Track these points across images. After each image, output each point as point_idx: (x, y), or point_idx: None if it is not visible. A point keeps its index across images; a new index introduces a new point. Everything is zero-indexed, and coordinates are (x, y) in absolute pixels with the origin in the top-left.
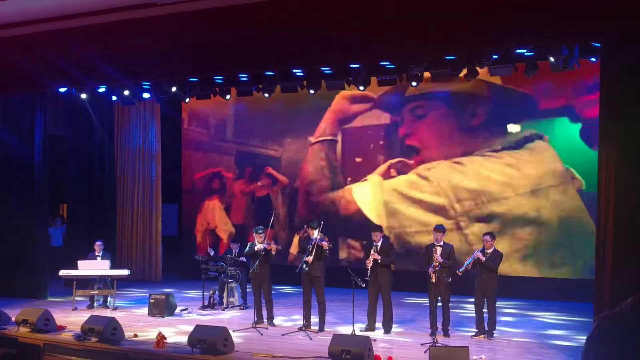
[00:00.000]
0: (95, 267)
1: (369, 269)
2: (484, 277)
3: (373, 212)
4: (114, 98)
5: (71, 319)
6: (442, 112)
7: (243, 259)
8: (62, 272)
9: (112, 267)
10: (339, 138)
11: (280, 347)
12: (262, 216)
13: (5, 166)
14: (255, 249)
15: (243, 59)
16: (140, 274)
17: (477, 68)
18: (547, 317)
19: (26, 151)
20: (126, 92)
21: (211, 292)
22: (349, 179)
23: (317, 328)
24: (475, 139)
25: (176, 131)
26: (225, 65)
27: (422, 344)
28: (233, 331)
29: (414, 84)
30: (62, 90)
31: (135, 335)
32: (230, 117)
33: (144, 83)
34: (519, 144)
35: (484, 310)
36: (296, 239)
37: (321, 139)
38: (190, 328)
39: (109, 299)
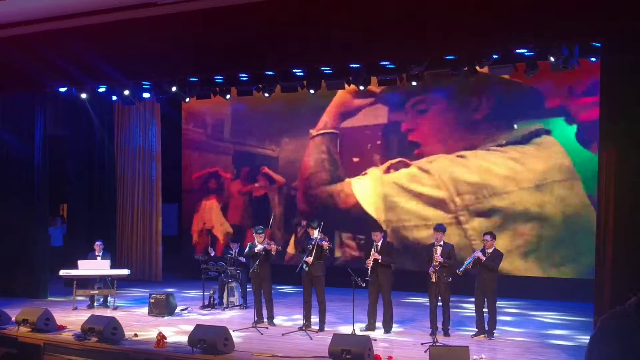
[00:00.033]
0: (96, 266)
1: (369, 269)
2: (484, 277)
3: (372, 206)
4: (114, 98)
5: (71, 318)
6: (444, 106)
7: (243, 259)
8: (62, 272)
9: (112, 266)
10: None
11: (280, 347)
12: (259, 216)
13: (5, 166)
14: (256, 250)
15: (243, 59)
16: (141, 274)
17: (477, 67)
18: (548, 316)
19: (26, 151)
20: (126, 92)
21: (211, 291)
22: (347, 177)
23: (317, 328)
24: (478, 134)
25: (176, 131)
26: (225, 65)
27: (422, 344)
28: (233, 331)
29: (414, 83)
30: (62, 90)
31: (136, 335)
32: (228, 116)
33: (144, 83)
34: (525, 138)
35: (484, 309)
36: (292, 239)
37: (322, 131)
38: (191, 328)
39: (109, 298)
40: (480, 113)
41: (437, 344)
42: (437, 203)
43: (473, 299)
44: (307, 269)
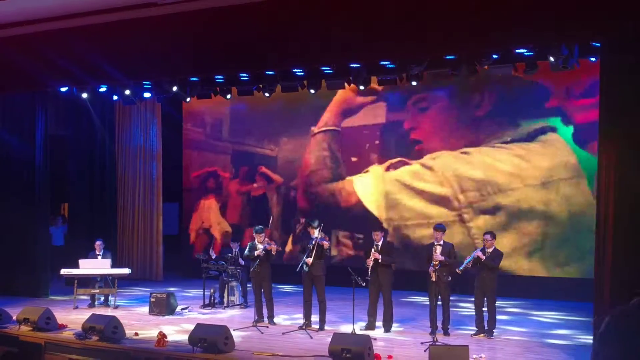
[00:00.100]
0: (97, 266)
1: (370, 269)
2: (484, 276)
3: (373, 204)
4: (115, 97)
5: (72, 317)
6: (446, 104)
7: (242, 262)
8: (63, 271)
9: (113, 266)
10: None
11: (280, 346)
12: (258, 216)
13: (6, 166)
14: (256, 254)
15: (243, 59)
16: (141, 273)
17: (477, 67)
18: (548, 316)
19: (27, 151)
20: (127, 92)
21: (212, 291)
22: (349, 175)
23: (317, 327)
24: (481, 131)
25: (177, 130)
26: (225, 65)
27: (422, 343)
28: (234, 330)
29: (414, 83)
30: (63, 89)
31: (136, 334)
32: (227, 116)
33: (144, 82)
34: (531, 135)
35: (483, 309)
36: (290, 239)
37: (324, 129)
38: (191, 327)
39: (110, 297)
40: (482, 110)
41: (436, 343)
42: (440, 200)
43: (473, 299)
44: (307, 269)
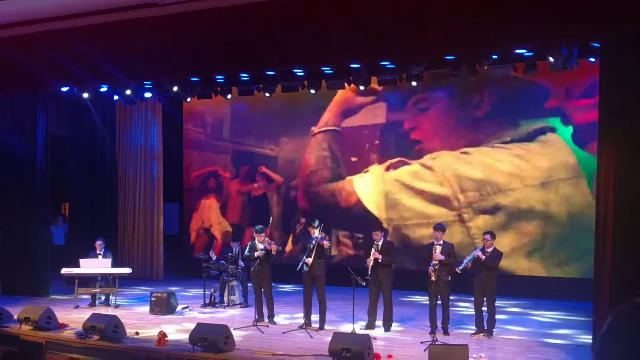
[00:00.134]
0: (97, 265)
1: (370, 268)
2: (484, 276)
3: (373, 204)
4: (116, 97)
5: (73, 316)
6: (446, 104)
7: (242, 263)
8: (64, 270)
9: (114, 265)
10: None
11: (280, 345)
12: (258, 215)
13: (7, 165)
14: (256, 255)
15: (244, 59)
16: (142, 272)
17: (477, 67)
18: (548, 316)
19: (28, 150)
20: (128, 92)
21: (212, 290)
22: (349, 175)
23: (317, 326)
24: (481, 131)
25: (177, 130)
26: (226, 65)
27: (421, 342)
28: (234, 329)
29: (414, 83)
30: (64, 89)
31: (137, 333)
32: (227, 116)
33: (145, 82)
34: (530, 136)
35: (483, 308)
36: (290, 239)
37: (324, 128)
38: (192, 326)
39: (110, 297)
40: (482, 110)
41: (436, 343)
42: (440, 200)
43: (472, 298)
44: (307, 269)
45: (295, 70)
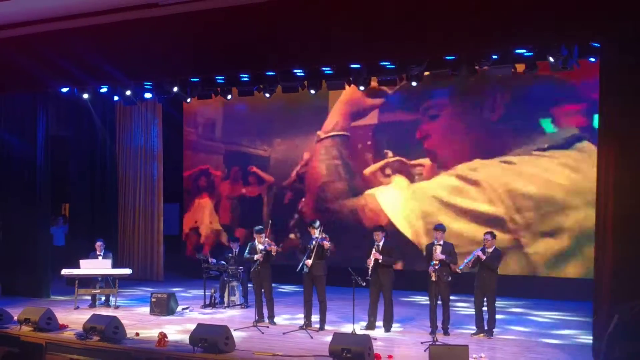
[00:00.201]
0: (97, 266)
1: (370, 269)
2: (484, 276)
3: (407, 226)
4: (116, 98)
5: (73, 317)
6: (456, 109)
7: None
8: (64, 271)
9: (114, 266)
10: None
11: (281, 346)
12: (249, 216)
13: (7, 166)
14: (256, 258)
15: (244, 59)
16: (142, 273)
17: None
18: (548, 316)
19: (28, 151)
20: (128, 92)
21: (212, 291)
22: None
23: (317, 327)
24: (497, 137)
25: (177, 131)
26: (226, 66)
27: (422, 343)
28: (234, 330)
29: (414, 83)
30: (64, 90)
31: (137, 334)
32: (220, 116)
33: (145, 83)
34: (568, 142)
35: (483, 309)
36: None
37: (332, 133)
38: (192, 327)
39: (111, 297)
40: (497, 114)
41: (436, 343)
42: (491, 221)
43: (473, 298)
44: (307, 270)
45: (295, 71)
